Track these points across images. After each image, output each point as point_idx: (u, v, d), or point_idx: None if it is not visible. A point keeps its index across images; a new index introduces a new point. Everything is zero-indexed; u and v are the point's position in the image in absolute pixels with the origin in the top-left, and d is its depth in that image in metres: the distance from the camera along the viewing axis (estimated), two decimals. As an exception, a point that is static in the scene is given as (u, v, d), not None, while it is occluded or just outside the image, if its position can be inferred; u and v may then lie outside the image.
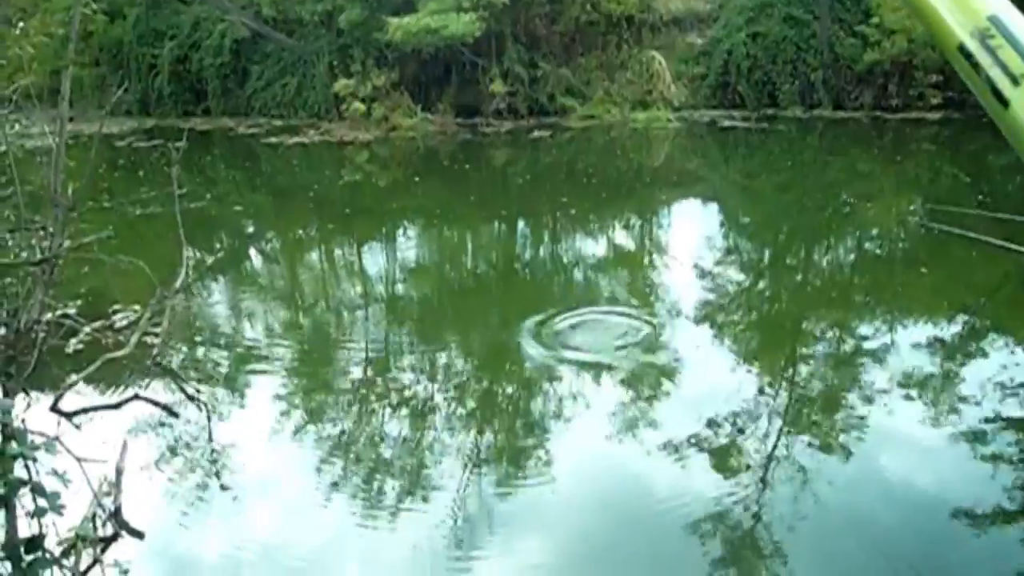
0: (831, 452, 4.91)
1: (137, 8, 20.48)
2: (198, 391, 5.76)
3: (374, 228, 11.45)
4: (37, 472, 2.84)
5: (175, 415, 5.52)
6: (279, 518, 4.50)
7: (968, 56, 1.02)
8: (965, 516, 4.19)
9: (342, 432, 5.44)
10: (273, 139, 17.35)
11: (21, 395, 5.25)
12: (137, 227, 10.65)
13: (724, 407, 5.37)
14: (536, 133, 16.68)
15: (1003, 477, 4.58)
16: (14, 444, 2.65)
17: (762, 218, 11.54)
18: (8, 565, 2.63)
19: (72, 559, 3.79)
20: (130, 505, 4.35)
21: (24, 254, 5.96)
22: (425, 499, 4.54)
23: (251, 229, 12.30)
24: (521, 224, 11.56)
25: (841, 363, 6.34)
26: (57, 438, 3.34)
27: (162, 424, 5.46)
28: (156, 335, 6.26)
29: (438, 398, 5.93)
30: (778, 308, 8.10)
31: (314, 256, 10.82)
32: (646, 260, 9.62)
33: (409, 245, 10.97)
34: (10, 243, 6.40)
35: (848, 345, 6.64)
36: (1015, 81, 0.99)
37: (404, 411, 5.74)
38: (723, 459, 4.83)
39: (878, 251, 9.93)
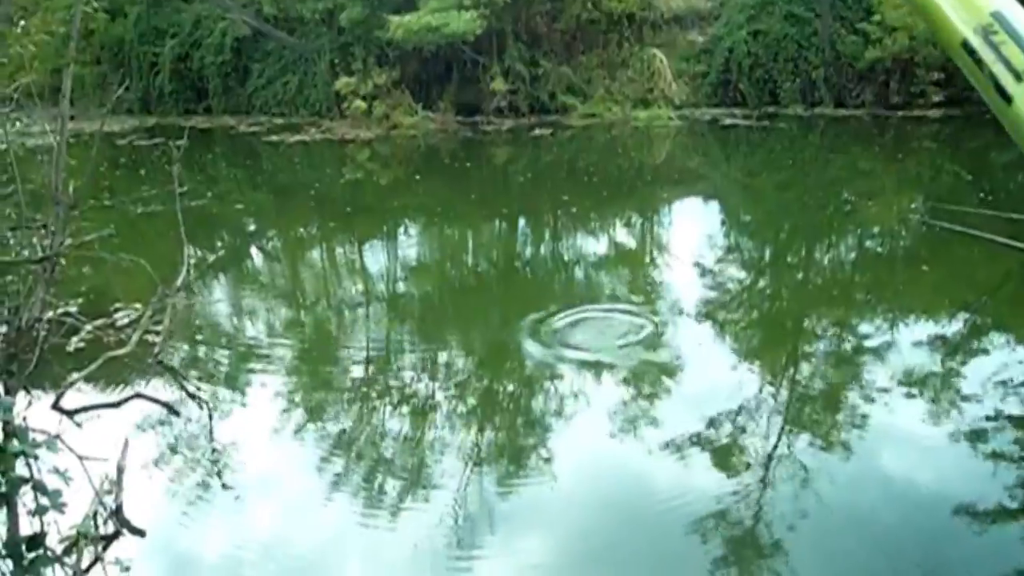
0: (832, 450, 4.91)
1: (138, 6, 20.47)
2: (199, 389, 5.76)
3: (375, 226, 11.45)
4: (38, 470, 2.83)
5: (176, 413, 5.52)
6: (280, 516, 4.50)
7: (971, 52, 1.02)
8: (966, 514, 4.19)
9: (343, 431, 5.44)
10: (274, 137, 17.34)
11: (22, 393, 5.26)
12: (138, 225, 10.65)
13: (725, 405, 5.36)
14: (537, 131, 16.66)
15: (1004, 475, 4.57)
16: (15, 442, 2.65)
17: (763, 216, 11.52)
18: (10, 563, 2.63)
19: (73, 557, 3.79)
20: (131, 503, 4.35)
21: (25, 252, 5.98)
22: (426, 498, 4.54)
23: (252, 227, 12.30)
24: (522, 222, 11.56)
25: (842, 361, 6.34)
26: (58, 436, 3.33)
27: (163, 422, 5.46)
28: (157, 333, 6.26)
29: (439, 396, 5.93)
30: (779, 306, 8.09)
31: (315, 254, 10.81)
32: (647, 258, 9.61)
33: (410, 243, 10.97)
34: (11, 241, 6.42)
35: (849, 343, 6.64)
36: (1018, 77, 0.99)
37: (405, 409, 5.74)
38: (724, 457, 4.83)
39: (879, 249, 9.91)
